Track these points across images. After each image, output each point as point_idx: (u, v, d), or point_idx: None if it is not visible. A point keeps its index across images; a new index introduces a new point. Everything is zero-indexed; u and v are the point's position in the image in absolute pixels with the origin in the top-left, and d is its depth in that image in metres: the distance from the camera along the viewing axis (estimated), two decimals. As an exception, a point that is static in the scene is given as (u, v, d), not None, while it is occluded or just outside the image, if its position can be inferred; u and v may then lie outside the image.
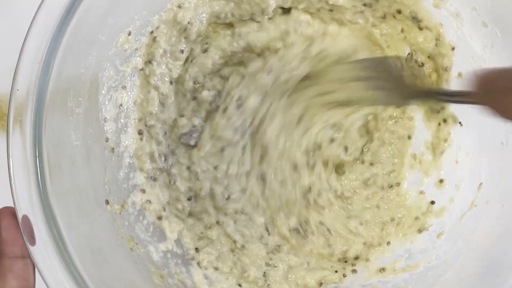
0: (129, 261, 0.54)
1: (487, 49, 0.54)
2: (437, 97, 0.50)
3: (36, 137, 0.45)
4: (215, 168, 0.57)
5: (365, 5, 0.57)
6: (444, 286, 0.55)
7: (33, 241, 0.43)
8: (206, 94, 0.57)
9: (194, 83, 0.58)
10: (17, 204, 0.44)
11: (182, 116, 0.58)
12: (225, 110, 0.55)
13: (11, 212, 0.43)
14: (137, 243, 0.55)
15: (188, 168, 0.58)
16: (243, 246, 0.58)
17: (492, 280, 0.52)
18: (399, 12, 0.57)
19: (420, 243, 0.58)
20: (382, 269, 0.58)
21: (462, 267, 0.55)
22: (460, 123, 0.58)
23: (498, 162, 0.55)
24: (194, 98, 0.58)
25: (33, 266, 0.44)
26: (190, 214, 0.59)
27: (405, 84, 0.50)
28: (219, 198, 0.57)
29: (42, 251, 0.44)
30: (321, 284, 0.58)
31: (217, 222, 0.59)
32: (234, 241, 0.59)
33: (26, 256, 0.43)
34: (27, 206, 0.44)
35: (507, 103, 0.33)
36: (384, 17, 0.58)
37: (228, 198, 0.57)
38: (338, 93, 0.52)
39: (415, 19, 0.57)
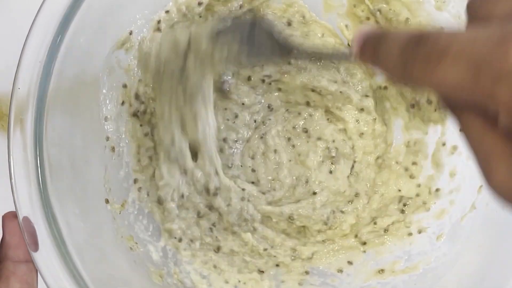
0: (128, 261, 0.54)
1: (488, 51, 0.54)
2: (306, 55, 0.46)
3: (37, 136, 0.45)
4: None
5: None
6: (443, 288, 0.55)
7: (36, 247, 0.43)
8: None
9: None
10: (17, 203, 0.44)
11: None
12: None
13: (15, 216, 0.43)
14: (136, 243, 0.55)
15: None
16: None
17: (491, 282, 0.52)
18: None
19: (419, 244, 0.58)
20: (381, 270, 0.58)
21: (462, 269, 0.55)
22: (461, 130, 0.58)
23: (499, 164, 0.55)
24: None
25: (36, 270, 0.44)
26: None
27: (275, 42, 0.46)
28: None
29: (42, 250, 0.44)
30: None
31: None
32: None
33: (30, 260, 0.43)
34: (28, 206, 0.44)
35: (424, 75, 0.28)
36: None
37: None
38: None
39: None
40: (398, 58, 0.29)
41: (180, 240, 0.58)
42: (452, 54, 0.26)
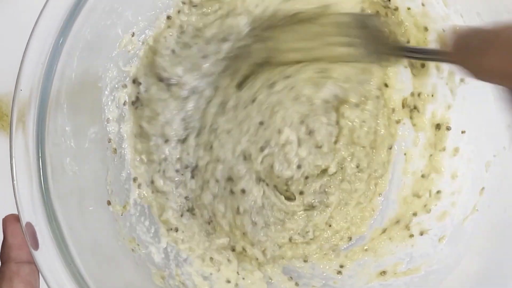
0: (130, 262, 0.54)
1: (491, 54, 0.54)
2: (412, 54, 0.50)
3: (39, 138, 0.45)
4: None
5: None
6: (445, 290, 0.55)
7: (36, 246, 0.43)
8: None
9: None
10: (19, 205, 0.44)
11: None
12: None
13: (17, 218, 0.43)
14: (138, 244, 0.55)
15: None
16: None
17: (493, 284, 0.52)
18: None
19: (421, 246, 0.58)
20: (383, 272, 0.58)
21: (464, 271, 0.55)
22: (462, 131, 0.58)
23: (500, 166, 0.55)
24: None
25: (39, 271, 0.44)
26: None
27: (383, 42, 0.51)
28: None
29: (44, 252, 0.44)
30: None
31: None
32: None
33: (32, 261, 0.43)
34: (29, 208, 0.44)
35: (478, 63, 0.33)
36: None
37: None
38: (315, 50, 0.54)
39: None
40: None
41: (176, 230, 0.58)
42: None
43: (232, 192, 0.58)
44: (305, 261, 0.61)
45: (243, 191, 0.58)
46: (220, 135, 0.58)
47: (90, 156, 0.52)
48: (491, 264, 0.53)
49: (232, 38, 0.57)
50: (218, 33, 0.57)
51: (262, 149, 0.58)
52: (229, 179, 0.58)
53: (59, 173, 0.46)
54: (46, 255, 0.44)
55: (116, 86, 0.56)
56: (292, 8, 0.55)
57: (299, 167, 0.58)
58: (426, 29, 0.57)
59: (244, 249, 0.60)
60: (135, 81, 0.57)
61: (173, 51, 0.57)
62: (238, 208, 0.58)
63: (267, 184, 0.60)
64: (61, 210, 0.46)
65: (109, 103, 0.55)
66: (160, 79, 0.57)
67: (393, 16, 0.58)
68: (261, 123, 0.58)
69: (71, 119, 0.49)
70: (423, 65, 0.59)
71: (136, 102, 0.58)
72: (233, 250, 0.60)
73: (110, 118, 0.55)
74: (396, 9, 0.58)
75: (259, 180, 0.59)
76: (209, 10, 0.58)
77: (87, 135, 0.52)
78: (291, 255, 0.61)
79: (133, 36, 0.55)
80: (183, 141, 0.59)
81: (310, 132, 0.60)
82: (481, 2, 0.52)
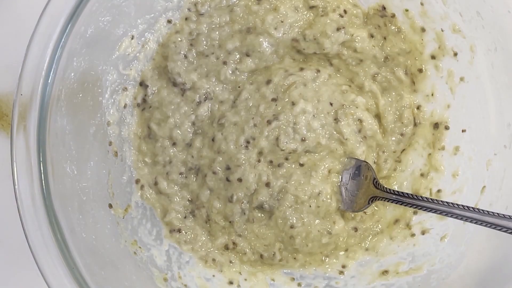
0: (132, 265, 0.54)
1: (491, 52, 0.54)
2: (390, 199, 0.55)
3: (39, 142, 0.45)
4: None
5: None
6: (447, 289, 0.55)
7: None
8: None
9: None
10: (21, 209, 0.44)
11: None
12: None
13: None
14: (140, 247, 0.55)
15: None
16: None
17: (495, 283, 0.52)
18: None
19: (423, 246, 0.58)
20: (385, 272, 0.58)
21: (466, 270, 0.55)
22: (463, 130, 0.58)
23: (501, 165, 0.55)
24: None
25: None
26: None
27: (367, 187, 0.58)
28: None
29: (46, 255, 0.44)
30: None
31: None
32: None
33: None
34: (31, 211, 0.44)
35: None
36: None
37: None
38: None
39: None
40: None
41: (179, 231, 0.59)
42: None
43: (228, 180, 0.58)
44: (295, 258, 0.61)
45: (239, 179, 0.58)
46: (226, 128, 0.58)
47: (91, 159, 0.52)
48: (492, 263, 0.53)
49: (256, 56, 0.58)
50: (241, 46, 0.58)
51: (269, 123, 0.58)
52: (227, 168, 0.58)
53: (60, 177, 0.47)
54: (49, 260, 0.44)
55: (117, 89, 0.56)
56: None
57: (303, 140, 0.58)
58: (423, 29, 0.57)
59: (234, 243, 0.60)
60: (142, 84, 0.58)
61: (185, 56, 0.58)
62: (231, 197, 0.59)
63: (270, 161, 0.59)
64: (62, 214, 0.46)
65: (109, 106, 0.55)
66: (174, 84, 0.58)
67: (390, 25, 0.58)
68: (274, 100, 0.58)
69: (72, 123, 0.49)
70: (420, 70, 0.59)
71: (143, 104, 0.58)
72: (227, 248, 0.60)
73: (111, 121, 0.55)
74: (393, 15, 0.58)
75: (260, 155, 0.59)
76: (218, 20, 0.58)
77: (87, 138, 0.52)
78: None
79: (132, 39, 0.55)
80: (190, 144, 0.59)
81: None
82: (480, 0, 0.52)
